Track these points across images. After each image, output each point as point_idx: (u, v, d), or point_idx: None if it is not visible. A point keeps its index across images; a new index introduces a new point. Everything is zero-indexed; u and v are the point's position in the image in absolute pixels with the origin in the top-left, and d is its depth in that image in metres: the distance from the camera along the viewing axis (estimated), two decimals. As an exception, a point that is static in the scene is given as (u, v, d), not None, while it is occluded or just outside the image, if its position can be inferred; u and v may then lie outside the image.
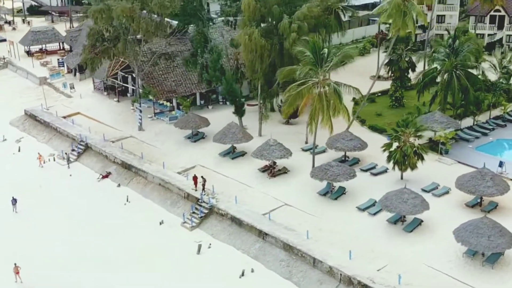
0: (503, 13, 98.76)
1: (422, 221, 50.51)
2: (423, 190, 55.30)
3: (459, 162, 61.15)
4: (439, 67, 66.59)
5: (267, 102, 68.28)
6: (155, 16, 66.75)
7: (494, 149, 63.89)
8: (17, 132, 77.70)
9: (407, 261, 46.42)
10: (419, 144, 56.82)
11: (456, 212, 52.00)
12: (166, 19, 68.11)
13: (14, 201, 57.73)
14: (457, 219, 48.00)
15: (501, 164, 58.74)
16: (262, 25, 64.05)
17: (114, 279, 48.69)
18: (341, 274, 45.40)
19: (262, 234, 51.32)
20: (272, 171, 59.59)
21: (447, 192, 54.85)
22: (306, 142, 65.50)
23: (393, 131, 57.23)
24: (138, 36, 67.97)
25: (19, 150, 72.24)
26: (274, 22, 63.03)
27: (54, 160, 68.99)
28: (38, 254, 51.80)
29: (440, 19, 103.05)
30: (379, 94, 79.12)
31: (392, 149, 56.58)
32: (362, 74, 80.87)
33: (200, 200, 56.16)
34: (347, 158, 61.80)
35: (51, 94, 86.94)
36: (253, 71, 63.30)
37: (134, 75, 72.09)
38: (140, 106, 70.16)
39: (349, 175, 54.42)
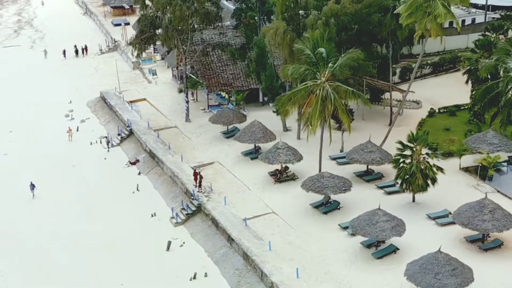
0: None
1: (397, 249, 48.03)
2: (428, 216, 52.43)
3: (498, 191, 56.29)
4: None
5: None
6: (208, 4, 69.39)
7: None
8: (88, 112, 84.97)
9: (354, 288, 44.77)
10: (430, 163, 53.27)
11: (447, 245, 48.28)
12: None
13: (32, 186, 62.79)
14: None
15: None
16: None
17: (74, 261, 52.72)
18: (278, 292, 45.00)
19: (230, 240, 52.04)
20: (278, 176, 59.53)
21: (453, 222, 50.99)
22: (341, 151, 64.16)
23: (400, 147, 54.33)
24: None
25: (77, 130, 79.04)
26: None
27: (101, 142, 74.53)
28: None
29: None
30: (465, 107, 74.25)
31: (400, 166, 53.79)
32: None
33: (192, 197, 57.98)
34: (372, 172, 59.72)
35: (137, 79, 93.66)
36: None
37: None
38: (187, 97, 73.24)
39: (340, 189, 53.05)
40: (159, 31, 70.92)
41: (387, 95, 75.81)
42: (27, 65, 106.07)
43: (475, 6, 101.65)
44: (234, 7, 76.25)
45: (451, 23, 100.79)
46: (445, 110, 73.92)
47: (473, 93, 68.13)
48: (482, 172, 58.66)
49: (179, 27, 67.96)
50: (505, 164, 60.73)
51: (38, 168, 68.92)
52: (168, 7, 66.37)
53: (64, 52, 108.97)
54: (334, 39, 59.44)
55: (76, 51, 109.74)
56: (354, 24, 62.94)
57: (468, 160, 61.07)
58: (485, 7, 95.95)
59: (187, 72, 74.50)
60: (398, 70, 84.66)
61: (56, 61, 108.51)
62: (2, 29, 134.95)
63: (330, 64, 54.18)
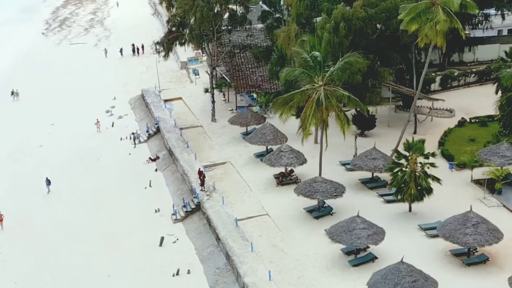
0: None
1: (376, 257, 47.30)
2: (419, 227, 51.33)
3: (504, 206, 54.36)
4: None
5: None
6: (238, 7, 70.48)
7: None
8: (128, 109, 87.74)
9: (321, 295, 44.54)
10: (426, 173, 51.97)
11: (430, 258, 47.40)
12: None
13: (48, 182, 64.94)
14: (422, 266, 42.78)
15: (539, 215, 51.05)
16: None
17: (71, 252, 54.95)
18: (248, 293, 45.39)
19: (217, 239, 52.74)
20: (280, 179, 59.64)
21: (443, 234, 49.68)
22: (354, 156, 63.46)
23: (396, 155, 53.35)
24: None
25: (112, 125, 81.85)
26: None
27: (130, 138, 76.79)
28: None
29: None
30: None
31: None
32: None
33: (194, 195, 59.03)
34: (377, 179, 58.90)
35: (182, 78, 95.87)
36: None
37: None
38: (213, 98, 74.40)
39: (331, 194, 52.62)
40: (186, 31, 72.17)
41: (421, 102, 74.32)
42: (86, 62, 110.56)
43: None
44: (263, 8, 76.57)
45: (510, 31, 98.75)
46: (476, 120, 71.50)
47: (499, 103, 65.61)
48: (492, 185, 56.59)
49: (203, 28, 68.85)
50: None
51: (65, 161, 72.08)
52: (191, 9, 67.41)
53: (121, 50, 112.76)
54: (344, 43, 58.84)
55: (133, 50, 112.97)
56: (371, 29, 61.66)
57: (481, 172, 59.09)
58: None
59: (217, 73, 75.48)
60: (439, 78, 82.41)
61: (114, 59, 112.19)
62: (75, 27, 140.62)
63: (331, 68, 53.68)
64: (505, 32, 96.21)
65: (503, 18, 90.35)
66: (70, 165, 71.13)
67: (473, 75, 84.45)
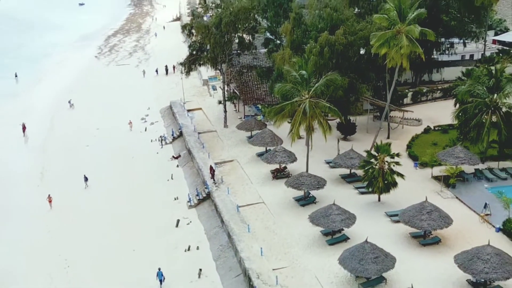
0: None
1: (348, 238, 46.81)
2: (386, 214, 50.72)
3: (456, 197, 53.60)
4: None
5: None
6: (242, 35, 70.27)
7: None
8: (158, 117, 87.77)
9: (305, 267, 44.21)
10: (392, 170, 51.35)
11: (393, 238, 46.88)
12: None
13: (86, 178, 64.52)
14: (386, 245, 42.61)
15: (485, 206, 50.20)
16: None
17: (105, 232, 55.06)
18: (243, 265, 45.01)
19: (222, 222, 52.46)
20: (275, 173, 59.26)
21: (405, 220, 49.00)
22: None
23: (368, 155, 52.75)
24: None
25: (145, 130, 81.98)
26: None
27: (158, 140, 76.79)
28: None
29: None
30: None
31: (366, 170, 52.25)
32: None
33: (205, 186, 58.82)
34: (355, 175, 58.28)
35: (203, 93, 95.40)
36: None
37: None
38: (225, 108, 74.24)
39: (314, 186, 52.33)
40: (204, 54, 72.11)
41: (394, 113, 73.67)
42: (128, 80, 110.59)
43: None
44: (266, 35, 76.28)
45: (470, 56, 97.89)
46: (439, 128, 70.65)
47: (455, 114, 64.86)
48: (447, 181, 55.84)
49: (217, 52, 68.75)
50: (472, 175, 57.41)
51: (106, 158, 72.27)
52: (207, 36, 67.37)
53: (156, 70, 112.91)
54: (328, 64, 58.41)
55: (166, 70, 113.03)
56: (351, 52, 61.15)
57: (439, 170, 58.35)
58: (484, 42, 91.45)
59: (227, 88, 75.31)
60: (410, 93, 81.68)
61: (150, 77, 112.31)
62: (121, 51, 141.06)
63: (316, 84, 53.30)
64: (467, 57, 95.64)
65: (465, 46, 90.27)
66: (109, 161, 71.29)
67: (439, 91, 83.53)
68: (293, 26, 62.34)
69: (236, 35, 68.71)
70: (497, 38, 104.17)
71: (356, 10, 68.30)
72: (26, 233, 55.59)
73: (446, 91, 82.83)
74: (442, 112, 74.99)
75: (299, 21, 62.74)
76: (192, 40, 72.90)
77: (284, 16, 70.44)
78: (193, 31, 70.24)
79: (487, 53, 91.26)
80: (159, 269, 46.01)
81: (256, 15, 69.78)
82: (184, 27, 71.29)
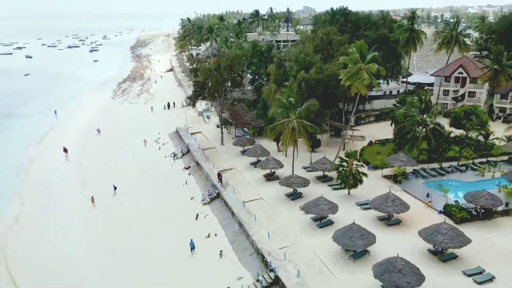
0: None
1: (333, 222, 44.62)
2: (356, 204, 48.61)
3: (404, 190, 52.15)
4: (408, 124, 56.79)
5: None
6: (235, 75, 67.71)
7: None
8: (167, 139, 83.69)
9: (303, 245, 41.73)
10: (358, 171, 49.59)
11: (364, 221, 44.87)
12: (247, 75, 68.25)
13: (115, 188, 59.71)
14: (362, 225, 40.54)
15: (428, 195, 48.94)
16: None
17: (139, 226, 50.97)
18: (256, 246, 42.01)
19: (232, 214, 49.34)
20: (268, 177, 56.64)
21: (370, 208, 47.07)
22: (310, 163, 60.73)
23: (339, 160, 50.89)
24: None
25: (159, 149, 77.90)
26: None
27: (171, 156, 72.92)
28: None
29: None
30: (391, 140, 69.75)
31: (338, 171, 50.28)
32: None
33: (215, 188, 55.55)
34: (326, 176, 56.23)
35: (199, 121, 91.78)
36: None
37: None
38: (222, 130, 71.35)
39: (302, 185, 50.04)
40: (205, 91, 69.24)
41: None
42: (139, 114, 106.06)
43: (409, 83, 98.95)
44: (251, 77, 73.98)
45: (390, 92, 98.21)
46: (379, 142, 69.72)
47: (394, 131, 64.15)
48: (395, 178, 54.54)
49: (216, 89, 66.05)
50: (411, 174, 56.36)
51: (131, 170, 67.84)
52: (209, 76, 64.65)
53: (167, 105, 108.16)
54: (304, 95, 56.67)
55: (168, 105, 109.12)
56: (319, 87, 59.67)
57: (388, 171, 57.07)
58: (406, 82, 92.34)
59: (223, 115, 72.54)
60: (353, 118, 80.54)
61: (158, 111, 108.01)
62: (131, 93, 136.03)
63: (298, 109, 51.33)
64: (387, 93, 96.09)
65: (388, 84, 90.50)
66: (134, 173, 66.95)
67: (372, 117, 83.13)
68: (276, 67, 60.36)
69: (230, 76, 66.04)
70: (404, 80, 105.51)
71: (320, 56, 66.97)
72: (75, 227, 51.05)
73: (378, 116, 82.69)
74: (377, 131, 75.06)
75: (281, 64, 60.81)
76: (196, 80, 69.77)
77: (265, 61, 68.45)
78: (198, 73, 67.12)
79: (401, 90, 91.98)
80: (192, 240, 43.68)
81: (246, 61, 67.41)
82: (191, 70, 68.09)
